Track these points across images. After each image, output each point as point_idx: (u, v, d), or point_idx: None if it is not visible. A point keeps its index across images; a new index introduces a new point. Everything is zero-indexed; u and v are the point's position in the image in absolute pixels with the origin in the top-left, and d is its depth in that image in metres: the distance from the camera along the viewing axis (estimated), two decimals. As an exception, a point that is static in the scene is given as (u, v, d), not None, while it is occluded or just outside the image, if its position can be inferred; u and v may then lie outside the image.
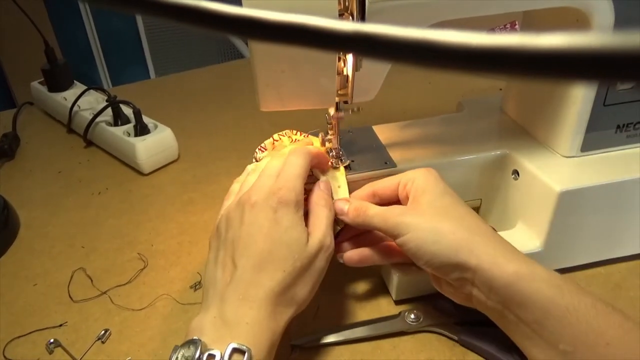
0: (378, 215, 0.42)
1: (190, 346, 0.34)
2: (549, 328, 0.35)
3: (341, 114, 0.48)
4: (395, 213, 0.41)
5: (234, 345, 0.33)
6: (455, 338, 0.45)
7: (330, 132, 0.51)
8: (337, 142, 0.50)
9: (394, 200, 0.46)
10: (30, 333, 0.48)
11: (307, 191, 0.45)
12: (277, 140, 0.50)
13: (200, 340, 0.34)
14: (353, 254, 0.45)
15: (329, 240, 0.41)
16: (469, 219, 0.40)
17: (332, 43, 0.12)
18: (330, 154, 0.51)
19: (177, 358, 0.33)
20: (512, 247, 0.39)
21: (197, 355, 0.33)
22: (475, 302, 0.40)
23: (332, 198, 0.46)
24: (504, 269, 0.37)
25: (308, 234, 0.40)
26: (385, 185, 0.46)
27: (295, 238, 0.39)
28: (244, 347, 0.34)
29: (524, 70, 0.11)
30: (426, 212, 0.40)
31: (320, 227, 0.41)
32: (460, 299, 0.41)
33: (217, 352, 0.33)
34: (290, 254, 0.38)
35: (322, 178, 0.47)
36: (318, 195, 0.44)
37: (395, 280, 0.47)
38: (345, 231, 0.47)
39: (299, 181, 0.41)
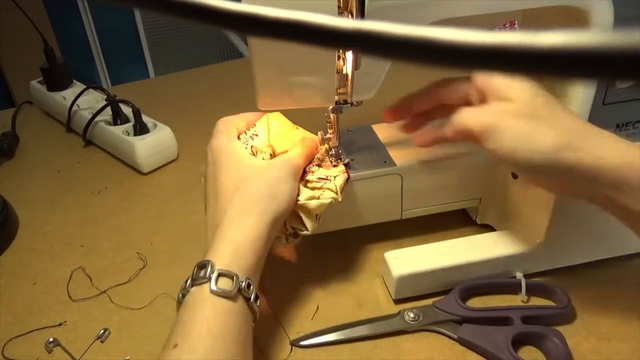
0: (470, 115, 0.40)
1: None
2: None
3: (340, 112, 0.48)
4: (489, 112, 0.39)
5: (198, 263, 0.38)
6: (455, 337, 0.45)
7: (329, 130, 0.50)
8: (336, 141, 0.50)
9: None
10: (29, 332, 0.48)
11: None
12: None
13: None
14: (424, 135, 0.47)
15: (291, 155, 0.45)
16: (566, 116, 0.38)
17: (332, 40, 0.12)
18: (330, 152, 0.51)
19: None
20: (616, 137, 0.38)
21: (183, 284, 0.39)
22: (577, 194, 0.39)
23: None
24: (608, 162, 0.35)
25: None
26: (452, 89, 0.46)
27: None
28: (205, 262, 0.38)
29: (523, 69, 0.11)
30: (519, 112, 0.38)
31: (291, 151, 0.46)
32: (561, 191, 0.41)
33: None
34: (238, 167, 0.44)
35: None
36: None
37: (394, 279, 0.47)
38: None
39: (239, 119, 0.48)
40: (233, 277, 0.37)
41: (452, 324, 0.46)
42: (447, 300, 0.47)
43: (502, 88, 0.39)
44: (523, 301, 0.48)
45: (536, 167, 0.37)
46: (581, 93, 0.47)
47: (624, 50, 0.10)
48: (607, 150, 0.36)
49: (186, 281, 0.38)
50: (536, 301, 0.49)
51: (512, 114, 0.38)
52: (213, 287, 0.36)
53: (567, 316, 0.46)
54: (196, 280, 0.37)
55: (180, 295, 0.38)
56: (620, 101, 0.48)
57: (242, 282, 0.37)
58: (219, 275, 0.37)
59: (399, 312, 0.47)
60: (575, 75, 0.10)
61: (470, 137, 0.40)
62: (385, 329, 0.46)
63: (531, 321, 0.45)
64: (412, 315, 0.46)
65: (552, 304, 0.47)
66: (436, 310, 0.46)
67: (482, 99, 0.41)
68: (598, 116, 0.48)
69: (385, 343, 0.45)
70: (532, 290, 0.48)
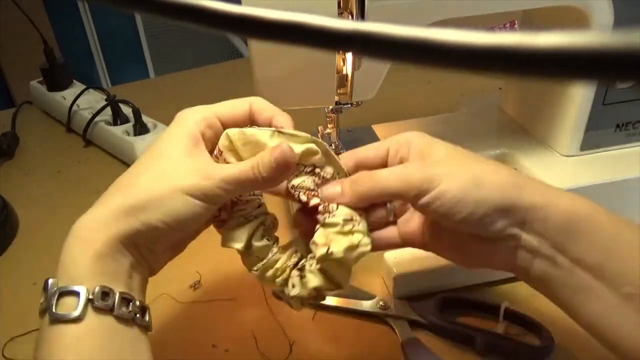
0: (394, 175, 0.33)
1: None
2: (611, 270, 0.30)
3: (340, 112, 0.49)
4: (416, 169, 0.33)
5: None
6: (400, 341, 0.45)
7: (329, 125, 0.51)
8: (336, 137, 0.51)
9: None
10: (29, 332, 0.48)
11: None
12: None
13: None
14: None
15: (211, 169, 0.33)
16: (502, 166, 0.34)
17: (331, 42, 0.12)
18: (330, 148, 0.51)
19: None
20: (556, 188, 0.34)
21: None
22: (519, 259, 0.33)
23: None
24: (560, 205, 0.31)
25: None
26: (369, 154, 0.37)
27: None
28: (49, 281, 0.31)
29: (523, 69, 0.11)
30: (452, 160, 0.34)
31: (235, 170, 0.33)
32: (497, 261, 0.34)
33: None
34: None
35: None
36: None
37: (394, 279, 0.47)
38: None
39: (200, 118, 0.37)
40: (78, 293, 0.29)
41: (412, 326, 0.46)
42: (425, 302, 0.47)
43: (412, 150, 0.35)
44: (500, 329, 0.45)
45: (482, 216, 0.32)
46: (581, 93, 0.47)
47: (624, 50, 0.10)
48: (553, 193, 0.33)
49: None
50: (517, 334, 0.45)
51: (442, 164, 0.33)
52: (53, 310, 0.29)
53: (542, 354, 0.43)
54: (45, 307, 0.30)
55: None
56: (620, 101, 0.48)
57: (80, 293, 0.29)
58: (61, 293, 0.29)
59: (375, 297, 0.48)
60: (575, 76, 0.10)
61: (397, 197, 0.35)
62: (354, 306, 0.47)
63: (497, 350, 0.43)
64: (382, 303, 0.47)
65: (534, 340, 0.44)
66: (408, 307, 0.47)
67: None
68: (598, 116, 0.48)
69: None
70: (515, 322, 0.45)
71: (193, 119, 0.37)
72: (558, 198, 0.32)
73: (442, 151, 0.34)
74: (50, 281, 0.30)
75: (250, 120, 0.37)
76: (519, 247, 0.33)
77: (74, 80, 0.87)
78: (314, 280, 0.33)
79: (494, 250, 0.34)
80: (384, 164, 0.37)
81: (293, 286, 0.34)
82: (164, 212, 0.32)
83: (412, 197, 0.32)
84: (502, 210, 0.31)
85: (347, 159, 0.37)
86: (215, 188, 0.32)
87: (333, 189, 0.35)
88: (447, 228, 0.34)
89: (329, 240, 0.32)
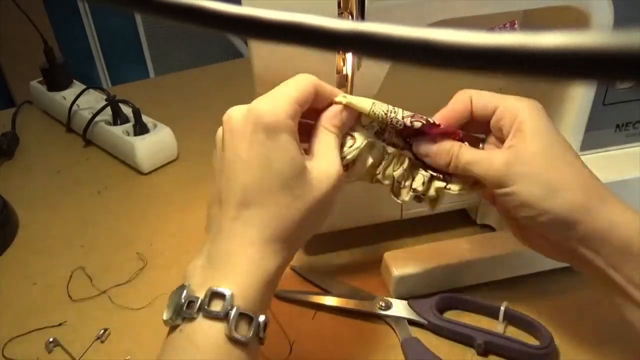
0: (478, 162, 0.36)
1: (178, 291, 0.32)
2: None
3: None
4: (500, 160, 0.35)
5: (214, 289, 0.30)
6: (400, 340, 0.45)
7: None
8: None
9: (483, 126, 0.39)
10: (29, 332, 0.48)
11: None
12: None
13: (187, 285, 0.32)
14: None
15: (336, 169, 0.34)
16: (584, 172, 0.35)
17: (331, 42, 0.12)
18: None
19: (167, 306, 0.31)
20: (623, 202, 0.35)
21: (182, 301, 0.31)
22: (576, 260, 0.36)
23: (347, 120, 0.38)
24: (621, 229, 0.33)
25: (308, 162, 0.34)
26: (481, 102, 0.38)
27: (285, 166, 0.32)
28: (225, 291, 0.30)
29: (523, 69, 0.11)
30: (536, 161, 0.34)
31: (325, 154, 0.35)
32: (555, 254, 0.37)
33: (197, 297, 0.30)
34: (284, 185, 0.32)
35: (337, 98, 0.37)
36: (324, 117, 0.36)
37: (394, 279, 0.47)
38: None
39: (283, 100, 0.33)
40: (252, 320, 0.31)
41: (412, 326, 0.46)
42: (425, 302, 0.47)
43: (516, 124, 0.36)
44: (499, 329, 0.45)
45: (545, 223, 0.34)
46: (581, 93, 0.47)
47: (624, 51, 0.10)
48: (619, 215, 0.34)
49: (185, 297, 0.31)
50: (517, 334, 0.45)
51: (526, 163, 0.34)
52: (234, 333, 0.30)
53: (541, 355, 0.43)
54: (209, 310, 0.30)
55: (179, 316, 0.31)
56: (620, 101, 0.48)
57: (259, 322, 0.31)
58: (240, 314, 0.30)
59: (376, 297, 0.48)
60: (576, 76, 0.10)
61: (473, 181, 0.38)
62: (354, 306, 0.48)
63: (497, 350, 0.43)
64: (382, 303, 0.47)
65: (533, 341, 0.44)
66: (408, 307, 0.47)
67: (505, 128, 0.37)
68: (598, 116, 0.48)
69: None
70: (514, 323, 0.46)
71: (284, 121, 0.33)
72: (623, 219, 0.33)
73: (537, 143, 0.35)
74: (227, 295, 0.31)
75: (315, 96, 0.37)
76: (575, 252, 0.35)
77: (74, 80, 0.87)
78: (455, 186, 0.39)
79: (553, 246, 0.36)
80: (487, 119, 0.38)
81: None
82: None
83: (490, 186, 0.36)
84: (564, 225, 0.33)
85: (460, 102, 0.39)
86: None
87: (424, 146, 0.38)
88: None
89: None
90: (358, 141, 0.37)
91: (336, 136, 0.36)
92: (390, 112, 0.38)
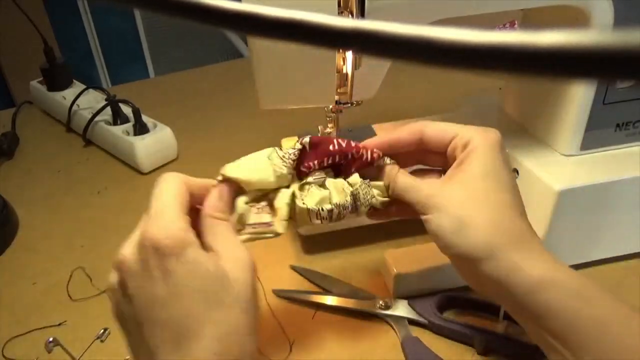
0: (410, 186, 0.37)
1: None
2: (574, 342, 0.31)
3: (340, 112, 0.49)
4: (426, 190, 0.36)
5: None
6: (399, 339, 0.45)
7: (329, 125, 0.51)
8: (336, 137, 0.51)
9: (439, 158, 0.39)
10: (29, 332, 0.48)
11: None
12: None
13: None
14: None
15: (246, 255, 0.32)
16: (506, 213, 0.35)
17: (331, 40, 0.11)
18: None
19: None
20: (542, 248, 0.35)
21: None
22: (490, 296, 0.36)
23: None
24: (525, 275, 0.33)
25: (215, 263, 0.30)
26: (437, 132, 0.37)
27: (207, 281, 0.29)
28: None
29: (524, 68, 0.11)
30: (455, 194, 0.35)
31: (227, 245, 0.32)
32: (477, 288, 0.37)
33: None
34: (215, 301, 0.29)
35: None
36: (207, 206, 0.34)
37: (394, 279, 0.47)
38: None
39: (168, 214, 0.31)
40: None
41: (412, 326, 0.46)
42: (425, 302, 0.47)
43: (464, 153, 0.36)
44: (500, 329, 0.45)
45: (453, 255, 0.35)
46: (581, 92, 0.47)
47: (624, 50, 0.10)
48: (528, 259, 0.33)
49: None
50: (517, 334, 0.44)
51: (448, 194, 0.35)
52: None
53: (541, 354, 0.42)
54: None
55: None
56: (621, 101, 0.48)
57: None
58: None
59: (376, 296, 0.48)
60: (576, 75, 0.10)
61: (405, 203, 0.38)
62: (354, 306, 0.48)
63: (497, 350, 0.43)
64: (382, 303, 0.47)
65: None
66: (408, 307, 0.47)
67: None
68: (598, 115, 0.48)
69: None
70: (514, 322, 0.44)
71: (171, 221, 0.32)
72: (529, 266, 0.33)
73: (467, 177, 0.35)
74: None
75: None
76: (488, 292, 0.36)
77: (74, 80, 0.87)
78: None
79: (472, 278, 0.37)
80: (444, 148, 0.38)
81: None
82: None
83: (417, 211, 0.37)
84: (468, 261, 0.34)
85: (413, 128, 0.38)
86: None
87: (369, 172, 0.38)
88: None
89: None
90: (283, 197, 0.36)
91: (227, 221, 0.34)
92: (286, 158, 0.36)
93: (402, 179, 0.38)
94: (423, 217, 0.36)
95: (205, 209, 0.34)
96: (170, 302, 0.28)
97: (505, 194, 0.35)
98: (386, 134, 0.39)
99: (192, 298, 0.28)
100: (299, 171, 0.37)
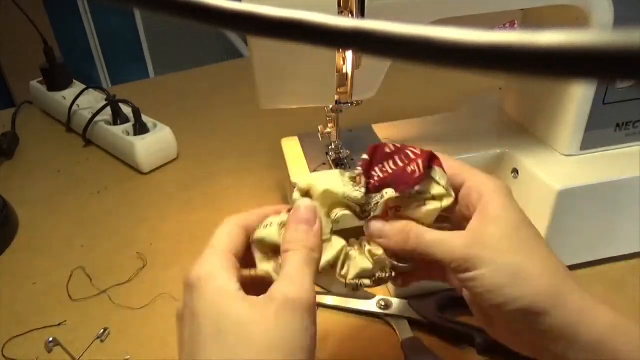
0: (439, 242, 0.32)
1: None
2: None
3: (340, 111, 0.49)
4: (463, 242, 0.32)
5: None
6: (401, 340, 0.44)
7: (329, 125, 0.51)
8: (336, 136, 0.51)
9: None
10: (29, 332, 0.48)
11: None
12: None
13: None
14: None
15: (307, 295, 0.29)
16: (551, 258, 0.32)
17: (332, 39, 0.11)
18: (330, 147, 0.51)
19: None
20: (593, 295, 0.32)
21: None
22: (543, 353, 0.32)
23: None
24: (594, 323, 0.30)
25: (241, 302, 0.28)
26: (449, 170, 0.35)
27: (241, 328, 0.27)
28: None
29: (524, 68, 0.11)
30: (501, 245, 0.31)
31: (292, 280, 0.29)
32: (521, 346, 0.34)
33: None
34: (250, 347, 0.26)
35: (302, 202, 0.33)
36: (290, 235, 0.31)
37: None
38: None
39: (207, 253, 0.31)
40: None
41: (412, 326, 0.45)
42: (425, 302, 0.47)
43: (482, 204, 0.33)
44: None
45: (511, 311, 0.31)
46: (581, 93, 0.47)
47: (624, 50, 0.10)
48: (589, 306, 0.31)
49: None
50: None
51: (491, 246, 0.31)
52: None
53: None
54: None
55: None
56: (621, 101, 0.48)
57: None
58: None
59: (375, 296, 0.48)
60: (576, 75, 0.10)
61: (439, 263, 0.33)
62: (354, 306, 0.47)
63: (497, 350, 0.43)
64: (382, 303, 0.47)
65: None
66: (408, 307, 0.47)
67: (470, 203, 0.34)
68: (598, 115, 0.48)
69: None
70: None
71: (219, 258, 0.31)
72: (595, 313, 0.30)
73: (502, 226, 0.32)
74: None
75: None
76: (547, 349, 0.32)
77: (74, 80, 0.87)
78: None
79: (523, 341, 0.33)
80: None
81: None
82: None
83: (453, 270, 0.32)
84: (531, 315, 0.30)
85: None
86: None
87: (379, 226, 0.34)
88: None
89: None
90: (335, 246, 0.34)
91: (307, 252, 0.31)
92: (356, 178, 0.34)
93: (427, 231, 0.33)
94: (467, 275, 0.31)
95: (284, 239, 0.31)
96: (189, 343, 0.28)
97: (542, 241, 0.33)
98: None
99: (205, 339, 0.27)
100: (369, 186, 0.34)
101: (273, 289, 0.28)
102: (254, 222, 0.33)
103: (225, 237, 0.32)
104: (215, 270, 0.29)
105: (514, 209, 0.33)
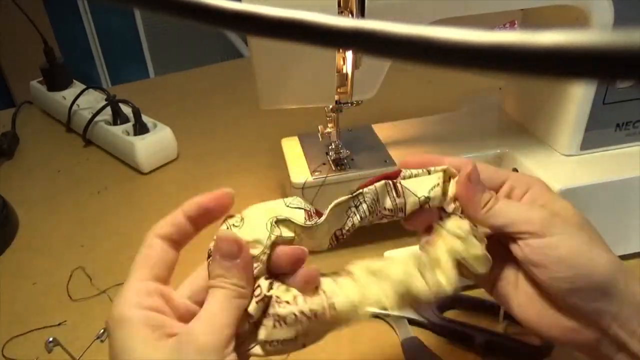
0: (515, 206, 0.32)
1: None
2: None
3: (340, 111, 0.49)
4: (539, 211, 0.31)
5: None
6: (399, 340, 0.44)
7: (329, 125, 0.51)
8: (336, 136, 0.51)
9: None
10: (29, 332, 0.48)
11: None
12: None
13: None
14: None
15: (219, 337, 0.26)
16: (605, 244, 0.32)
17: (332, 39, 0.11)
18: (330, 147, 0.51)
19: None
20: None
21: None
22: (602, 346, 0.30)
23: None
24: None
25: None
26: (485, 174, 0.33)
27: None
28: None
29: (524, 68, 0.11)
30: (573, 219, 0.31)
31: (208, 321, 0.27)
32: (577, 340, 0.31)
33: None
34: None
35: (220, 232, 0.30)
36: (212, 270, 0.29)
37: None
38: None
39: (128, 282, 0.29)
40: None
41: (412, 326, 0.45)
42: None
43: (532, 195, 0.33)
44: (500, 329, 0.45)
45: (582, 288, 0.29)
46: (581, 93, 0.47)
47: (624, 50, 0.10)
48: None
49: None
50: (517, 334, 0.44)
51: (570, 219, 0.31)
52: None
53: (542, 354, 0.42)
54: None
55: None
56: (621, 101, 0.48)
57: None
58: None
59: None
60: (576, 74, 0.10)
61: (507, 230, 0.32)
62: None
63: (497, 350, 0.43)
64: None
65: (534, 339, 0.43)
66: (408, 307, 0.47)
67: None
68: (598, 116, 0.48)
69: None
70: (514, 322, 0.44)
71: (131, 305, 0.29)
72: None
73: (560, 206, 0.32)
74: None
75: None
76: (605, 335, 0.30)
77: (74, 80, 0.87)
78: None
79: (577, 328, 0.31)
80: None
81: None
82: None
83: (526, 231, 0.30)
84: (602, 291, 0.29)
85: (457, 161, 0.34)
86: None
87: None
88: (538, 285, 0.32)
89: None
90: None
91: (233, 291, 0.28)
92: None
93: (506, 202, 0.32)
94: (542, 241, 0.30)
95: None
96: None
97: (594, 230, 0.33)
98: (421, 158, 0.34)
99: None
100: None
101: (187, 329, 0.26)
102: (177, 229, 0.30)
103: (143, 260, 0.29)
104: (127, 311, 0.28)
105: (561, 199, 0.33)
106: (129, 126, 0.73)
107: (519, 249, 0.31)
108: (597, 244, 0.30)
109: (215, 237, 0.29)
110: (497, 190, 0.34)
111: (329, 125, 0.51)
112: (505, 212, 0.31)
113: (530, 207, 0.32)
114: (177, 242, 0.31)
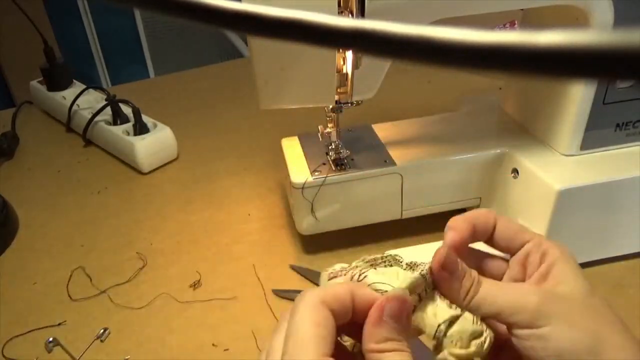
0: (506, 291, 0.28)
1: None
2: None
3: (340, 111, 0.49)
4: (537, 294, 0.28)
5: None
6: None
7: (329, 125, 0.51)
8: (336, 136, 0.51)
9: (498, 263, 0.32)
10: (29, 332, 0.48)
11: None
12: (355, 270, 0.32)
13: None
14: None
15: None
16: (629, 332, 0.29)
17: (332, 39, 0.11)
18: (330, 147, 0.51)
19: None
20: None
21: None
22: None
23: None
24: None
25: None
26: (507, 232, 0.31)
27: None
28: None
29: (524, 68, 0.11)
30: (574, 305, 0.28)
31: None
32: None
33: None
34: None
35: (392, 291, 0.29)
36: (365, 338, 0.28)
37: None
38: None
39: (310, 347, 0.25)
40: None
41: None
42: None
43: (545, 264, 0.30)
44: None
45: None
46: (581, 93, 0.47)
47: (625, 49, 0.10)
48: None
49: None
50: None
51: (563, 306, 0.28)
52: None
53: None
54: None
55: None
56: (621, 101, 0.48)
57: None
58: None
59: None
60: (575, 75, 0.10)
61: (498, 317, 0.28)
62: None
63: (496, 349, 0.43)
64: None
65: None
66: None
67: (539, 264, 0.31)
68: (598, 115, 0.48)
69: None
70: None
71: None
72: None
73: (575, 288, 0.29)
74: None
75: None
76: None
77: (74, 80, 0.87)
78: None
79: None
80: (509, 250, 0.32)
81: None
82: None
83: (515, 322, 0.28)
84: None
85: (464, 220, 0.32)
86: None
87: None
88: None
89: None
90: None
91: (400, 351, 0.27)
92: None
93: (487, 282, 0.29)
94: (534, 332, 0.27)
95: (365, 344, 0.27)
96: None
97: (610, 309, 0.29)
98: (460, 219, 0.32)
99: None
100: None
101: None
102: (343, 301, 0.27)
103: (316, 330, 0.25)
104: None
105: (583, 276, 0.30)
106: (129, 126, 0.73)
107: (512, 335, 0.28)
108: (606, 334, 0.27)
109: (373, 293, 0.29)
110: (513, 254, 0.31)
111: (329, 125, 0.51)
112: (492, 299, 0.28)
113: (525, 291, 0.28)
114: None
